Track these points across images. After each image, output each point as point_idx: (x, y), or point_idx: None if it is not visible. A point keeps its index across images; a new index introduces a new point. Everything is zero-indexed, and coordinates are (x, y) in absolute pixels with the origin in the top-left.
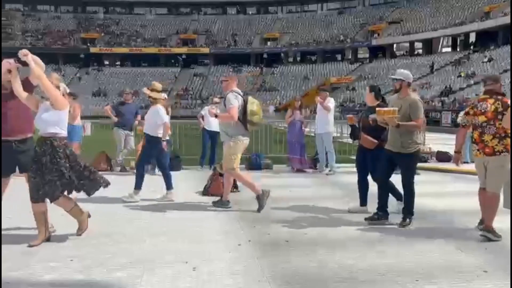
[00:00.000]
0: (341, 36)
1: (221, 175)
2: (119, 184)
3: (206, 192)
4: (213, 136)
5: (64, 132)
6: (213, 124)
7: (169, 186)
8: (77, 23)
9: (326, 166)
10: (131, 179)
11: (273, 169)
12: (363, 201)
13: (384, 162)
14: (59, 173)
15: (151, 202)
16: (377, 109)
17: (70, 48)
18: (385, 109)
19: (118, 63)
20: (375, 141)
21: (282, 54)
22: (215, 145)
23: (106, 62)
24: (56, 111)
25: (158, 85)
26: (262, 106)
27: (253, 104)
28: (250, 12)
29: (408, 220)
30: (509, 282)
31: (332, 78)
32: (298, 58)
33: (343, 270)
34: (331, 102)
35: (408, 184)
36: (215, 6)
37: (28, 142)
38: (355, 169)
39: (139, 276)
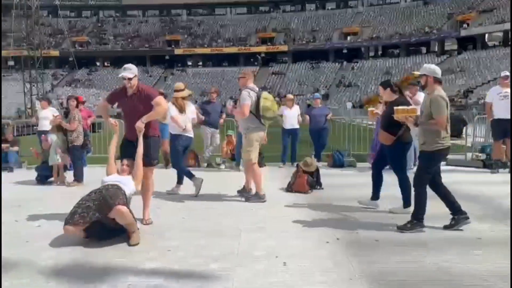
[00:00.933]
0: (426, 28)
1: (304, 172)
2: (207, 180)
3: (290, 188)
4: (293, 133)
5: None
6: (291, 122)
7: (180, 180)
8: (162, 26)
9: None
10: (218, 174)
11: (356, 167)
12: (375, 195)
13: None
14: None
15: (239, 198)
16: (394, 108)
17: (156, 50)
18: (401, 108)
19: (200, 63)
20: (392, 136)
21: (362, 49)
22: (295, 142)
23: (189, 63)
24: None
25: (179, 85)
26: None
27: (267, 100)
28: (329, 8)
29: (409, 225)
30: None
31: (416, 73)
32: (380, 52)
33: (441, 273)
34: (421, 96)
35: (417, 184)
36: (294, 3)
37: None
38: (447, 168)
39: (232, 269)
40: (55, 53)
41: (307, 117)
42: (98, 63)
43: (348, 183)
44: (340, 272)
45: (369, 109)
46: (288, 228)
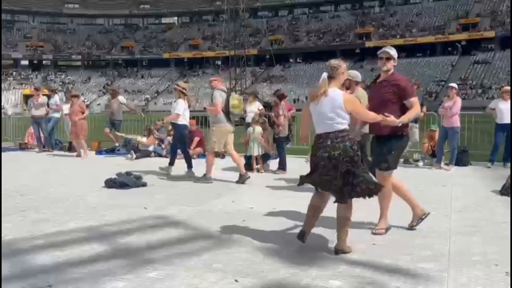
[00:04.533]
0: None
1: None
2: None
3: (505, 192)
4: (509, 129)
5: None
6: (506, 117)
7: (189, 165)
8: (354, 19)
9: None
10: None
11: None
12: None
13: None
14: None
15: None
16: None
17: (347, 44)
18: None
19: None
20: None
21: None
22: (511, 139)
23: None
24: None
25: (185, 85)
26: None
27: (234, 99)
28: None
29: None
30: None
31: None
32: None
33: None
34: None
35: None
36: None
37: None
38: None
39: (446, 271)
40: (254, 51)
41: None
42: (291, 60)
43: None
44: None
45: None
46: (506, 235)
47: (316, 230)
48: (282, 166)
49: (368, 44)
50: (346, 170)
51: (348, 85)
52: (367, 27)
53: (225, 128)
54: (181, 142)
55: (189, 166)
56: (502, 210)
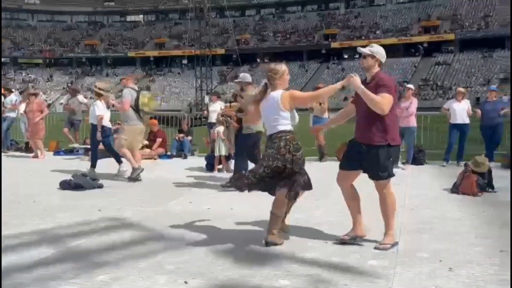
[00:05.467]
0: None
1: (474, 172)
2: None
3: (455, 190)
4: (461, 129)
5: None
6: (459, 117)
7: (118, 161)
8: (320, 20)
9: None
10: None
11: None
12: None
13: None
14: None
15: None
16: None
17: (313, 45)
18: None
19: (356, 56)
20: None
21: None
22: (463, 139)
23: (345, 56)
24: None
25: (103, 85)
26: None
27: (145, 98)
28: None
29: None
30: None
31: None
32: None
33: None
34: None
35: None
36: None
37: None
38: None
39: (392, 268)
40: (221, 51)
41: (479, 111)
42: (258, 60)
43: None
44: None
45: None
46: (454, 231)
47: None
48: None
49: (334, 45)
50: (278, 169)
51: (240, 88)
52: (333, 28)
53: (136, 127)
54: (94, 142)
55: (93, 165)
56: (452, 208)
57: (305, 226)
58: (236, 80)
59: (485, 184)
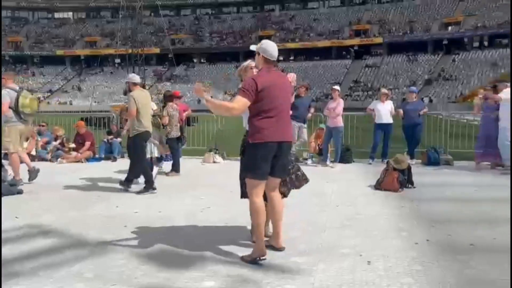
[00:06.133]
0: None
1: (395, 169)
2: None
3: (378, 186)
4: (385, 129)
5: None
6: (384, 117)
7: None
8: (255, 22)
9: None
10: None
11: (453, 165)
12: None
13: None
14: None
15: (329, 193)
16: None
17: (249, 46)
18: None
19: (292, 58)
20: None
21: (465, 39)
22: (387, 138)
23: (281, 58)
24: None
25: None
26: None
27: (26, 99)
28: None
29: None
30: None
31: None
32: (485, 43)
33: None
34: (504, 93)
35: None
36: None
37: None
38: None
39: (315, 264)
40: (156, 50)
41: (401, 111)
42: (195, 60)
43: (443, 183)
44: (429, 276)
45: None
46: (375, 226)
47: (196, 231)
48: (175, 168)
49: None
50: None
51: (128, 88)
52: (268, 30)
53: (17, 128)
54: None
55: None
56: (375, 204)
57: (230, 225)
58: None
59: (405, 180)
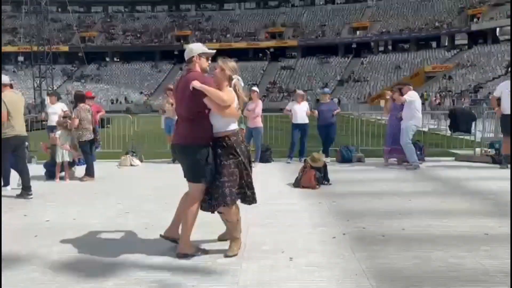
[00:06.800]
0: (437, 22)
1: (312, 167)
2: None
3: (297, 184)
4: (302, 128)
5: None
6: (300, 117)
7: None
8: (171, 21)
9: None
10: None
11: (365, 162)
12: None
13: None
14: None
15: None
16: None
17: (165, 45)
18: None
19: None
20: None
21: (372, 43)
22: (304, 137)
23: None
24: None
25: None
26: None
27: None
28: (339, 2)
29: None
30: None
31: (427, 67)
32: (389, 47)
33: (447, 269)
34: (408, 95)
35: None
36: None
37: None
38: (456, 163)
39: (238, 263)
40: (64, 48)
41: (316, 112)
42: (107, 58)
43: (356, 179)
44: (347, 267)
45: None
46: (295, 223)
47: (115, 238)
48: (89, 172)
49: (186, 46)
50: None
51: None
52: (185, 30)
53: None
54: None
55: None
56: (294, 201)
57: (150, 230)
58: None
59: (322, 177)
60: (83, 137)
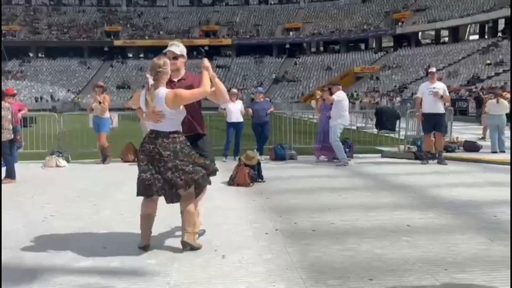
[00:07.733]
0: (365, 25)
1: (246, 165)
2: None
3: (231, 182)
4: (237, 127)
5: None
6: (235, 116)
7: None
8: (101, 16)
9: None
10: None
11: (297, 159)
12: None
13: None
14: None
15: None
16: None
17: (95, 41)
18: None
19: (141, 55)
20: None
21: (304, 44)
22: (239, 136)
23: (130, 55)
24: None
25: None
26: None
27: None
28: (272, 2)
29: None
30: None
31: (356, 68)
32: (321, 48)
33: (372, 260)
34: (337, 95)
35: None
36: None
37: None
38: (382, 160)
39: (169, 264)
40: None
41: (250, 110)
42: (31, 54)
43: (288, 176)
44: (278, 262)
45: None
46: (228, 221)
47: (40, 243)
48: (9, 174)
49: (117, 43)
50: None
51: None
52: (115, 26)
53: None
54: None
55: None
56: (228, 199)
57: (80, 232)
58: None
59: (255, 175)
60: (2, 137)
